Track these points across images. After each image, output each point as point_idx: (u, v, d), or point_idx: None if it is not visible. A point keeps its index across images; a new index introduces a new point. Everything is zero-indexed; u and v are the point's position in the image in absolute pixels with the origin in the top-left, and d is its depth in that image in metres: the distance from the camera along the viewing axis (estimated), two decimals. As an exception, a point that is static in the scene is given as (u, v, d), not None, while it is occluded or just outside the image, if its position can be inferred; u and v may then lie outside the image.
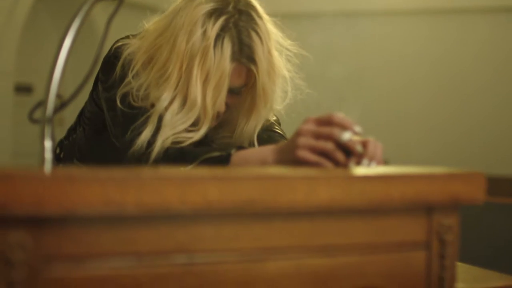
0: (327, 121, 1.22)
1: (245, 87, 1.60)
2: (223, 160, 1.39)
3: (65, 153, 1.90)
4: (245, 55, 1.56)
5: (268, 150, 1.36)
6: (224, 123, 1.66)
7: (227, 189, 0.96)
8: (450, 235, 1.17)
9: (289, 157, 1.27)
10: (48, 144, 1.06)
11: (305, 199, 1.02)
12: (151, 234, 0.94)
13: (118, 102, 1.57)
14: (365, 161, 1.23)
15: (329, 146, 1.20)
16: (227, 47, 1.54)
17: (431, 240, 1.15)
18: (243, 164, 1.39)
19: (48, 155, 1.05)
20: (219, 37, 1.54)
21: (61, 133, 6.32)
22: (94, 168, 0.98)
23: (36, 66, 6.13)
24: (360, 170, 1.15)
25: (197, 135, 1.53)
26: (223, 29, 1.54)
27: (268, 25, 1.61)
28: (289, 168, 1.19)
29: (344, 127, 1.20)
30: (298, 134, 1.25)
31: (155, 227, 0.94)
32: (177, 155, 1.47)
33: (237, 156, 1.39)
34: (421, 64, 6.45)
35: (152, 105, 1.54)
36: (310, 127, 1.24)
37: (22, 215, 0.84)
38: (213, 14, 1.54)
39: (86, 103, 1.82)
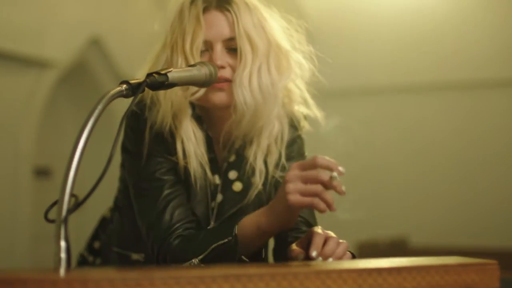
0: (312, 165, 1.29)
1: (235, 41, 1.59)
2: (232, 245, 1.41)
3: (103, 245, 1.92)
4: (218, 0, 1.61)
5: (260, 214, 1.41)
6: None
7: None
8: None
9: (281, 207, 1.33)
10: (63, 244, 1.07)
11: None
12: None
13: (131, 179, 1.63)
14: (314, 253, 1.30)
15: (318, 188, 1.27)
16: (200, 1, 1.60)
17: (447, 332, 1.15)
18: (244, 239, 1.43)
19: (63, 255, 1.06)
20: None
21: (77, 217, 6.26)
22: (108, 269, 0.99)
23: (55, 150, 6.20)
24: (373, 262, 1.15)
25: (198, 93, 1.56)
26: None
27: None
28: (300, 262, 1.19)
29: (328, 169, 1.27)
30: (286, 182, 1.31)
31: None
32: (186, 246, 1.50)
33: (238, 234, 1.42)
34: (432, 143, 6.45)
35: None
36: (296, 172, 1.30)
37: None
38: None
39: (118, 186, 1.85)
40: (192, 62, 1.55)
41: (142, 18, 6.14)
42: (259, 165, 1.64)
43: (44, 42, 5.42)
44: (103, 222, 1.96)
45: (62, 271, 1.06)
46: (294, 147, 1.73)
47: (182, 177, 1.62)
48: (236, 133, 1.64)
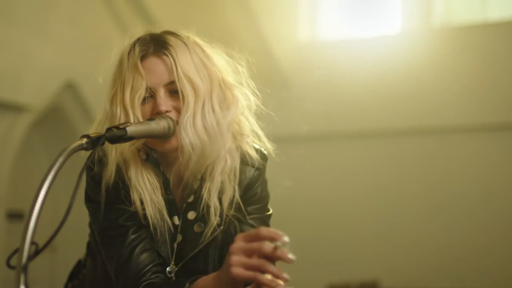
0: (256, 237, 1.28)
1: (175, 84, 1.60)
2: None
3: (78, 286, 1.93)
4: (155, 46, 1.64)
5: (210, 281, 1.42)
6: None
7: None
8: None
9: (227, 278, 1.32)
10: (22, 289, 1.14)
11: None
12: None
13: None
14: None
15: (261, 262, 1.26)
16: (138, 47, 1.64)
17: None
18: None
19: (22, 300, 1.13)
20: (133, 46, 1.65)
21: (53, 260, 6.26)
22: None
23: (29, 193, 6.21)
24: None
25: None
26: (138, 39, 1.66)
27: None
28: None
29: (272, 240, 1.26)
30: (230, 253, 1.30)
31: None
32: None
33: None
34: (416, 183, 6.52)
35: None
36: (240, 244, 1.29)
37: None
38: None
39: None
40: (131, 113, 1.58)
41: (115, 62, 6.23)
42: (214, 203, 1.64)
43: (20, 87, 5.49)
44: (78, 266, 1.98)
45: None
46: (255, 190, 1.74)
47: (144, 222, 1.64)
48: (186, 174, 1.64)
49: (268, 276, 1.27)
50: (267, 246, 1.26)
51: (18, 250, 1.20)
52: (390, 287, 5.84)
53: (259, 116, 1.81)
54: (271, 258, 1.26)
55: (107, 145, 1.56)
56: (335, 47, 6.88)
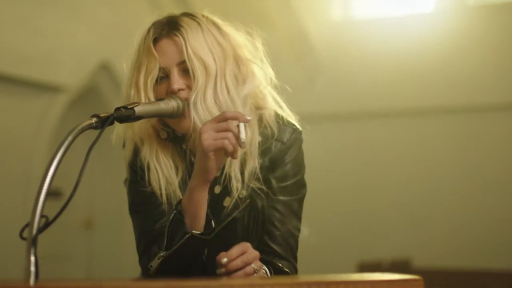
0: (223, 118, 1.51)
1: (186, 63, 1.67)
2: (178, 217, 1.58)
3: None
4: (168, 27, 1.71)
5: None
6: None
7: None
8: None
9: (199, 156, 1.53)
10: (32, 259, 1.22)
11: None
12: None
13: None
14: (224, 260, 1.49)
15: (228, 134, 1.49)
16: (152, 30, 1.72)
17: None
18: (184, 207, 1.58)
19: (32, 268, 1.21)
20: (148, 30, 1.73)
21: (88, 236, 6.43)
22: (74, 280, 1.13)
23: (66, 172, 6.37)
24: (307, 278, 1.29)
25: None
26: (154, 23, 1.74)
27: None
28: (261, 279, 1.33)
29: (235, 119, 1.50)
30: (200, 133, 1.51)
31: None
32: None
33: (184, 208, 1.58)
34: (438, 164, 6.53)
35: None
36: (210, 124, 1.51)
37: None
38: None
39: None
40: (143, 95, 1.67)
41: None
42: (235, 175, 1.69)
43: (56, 67, 5.62)
44: None
45: (31, 281, 1.21)
46: (284, 167, 1.75)
47: (160, 200, 1.71)
48: None
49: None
50: (234, 123, 1.49)
51: (29, 224, 1.28)
52: (422, 266, 5.86)
53: (289, 95, 1.84)
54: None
55: (125, 125, 1.65)
56: (368, 26, 6.87)
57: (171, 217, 1.59)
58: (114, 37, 6.10)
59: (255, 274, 1.49)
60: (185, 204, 1.57)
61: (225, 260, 1.48)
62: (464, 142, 6.46)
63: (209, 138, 1.48)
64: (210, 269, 1.64)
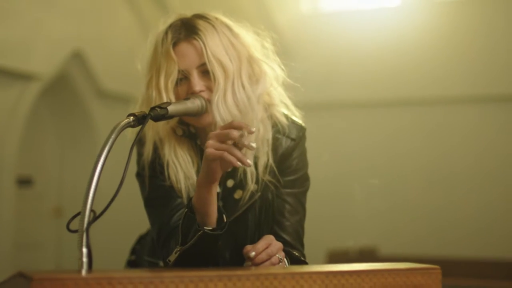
0: (228, 126, 1.55)
1: (206, 65, 1.76)
2: (191, 214, 1.64)
3: (137, 257, 2.14)
4: (186, 31, 1.79)
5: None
6: None
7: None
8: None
9: (204, 161, 1.58)
10: (84, 250, 1.30)
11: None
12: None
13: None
14: (252, 253, 1.57)
15: (228, 145, 1.53)
16: (170, 34, 1.79)
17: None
18: (195, 204, 1.64)
19: (85, 259, 1.30)
20: (166, 33, 1.81)
21: (58, 224, 6.42)
22: (128, 271, 1.22)
23: (37, 160, 6.39)
24: (338, 266, 1.40)
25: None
26: (170, 26, 1.82)
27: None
28: (277, 267, 1.44)
29: (240, 129, 1.53)
30: (208, 137, 1.57)
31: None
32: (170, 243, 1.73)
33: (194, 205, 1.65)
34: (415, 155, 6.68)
35: None
36: (215, 132, 1.57)
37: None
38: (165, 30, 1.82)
39: None
40: (164, 96, 1.76)
41: (122, 33, 6.38)
42: (250, 168, 1.80)
43: (29, 56, 5.61)
44: (140, 239, 2.18)
45: (84, 272, 1.30)
46: (291, 162, 1.87)
47: (180, 194, 1.81)
48: None
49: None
50: (235, 132, 1.52)
51: (76, 216, 1.37)
52: (388, 254, 6.02)
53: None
54: (239, 144, 1.54)
55: (146, 126, 1.72)
56: (336, 18, 7.00)
57: (183, 215, 1.67)
58: (87, 26, 6.12)
59: (279, 264, 1.60)
60: (195, 202, 1.65)
61: (253, 253, 1.57)
62: (431, 133, 6.63)
63: (212, 146, 1.54)
64: (220, 260, 1.75)
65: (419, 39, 6.61)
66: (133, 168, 1.95)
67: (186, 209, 1.67)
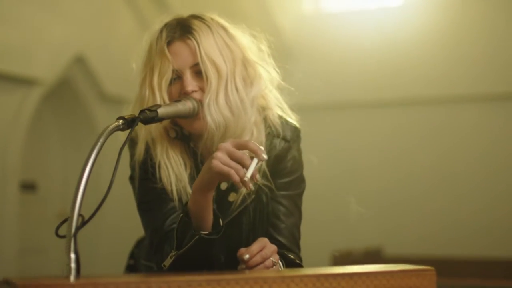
0: (243, 146, 1.52)
1: (200, 65, 1.74)
2: (186, 218, 1.62)
3: (136, 260, 2.13)
4: (181, 30, 1.77)
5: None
6: None
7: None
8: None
9: (206, 167, 1.55)
10: (72, 256, 1.29)
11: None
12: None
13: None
14: (246, 256, 1.55)
15: (238, 166, 1.50)
16: (164, 33, 1.78)
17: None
18: (190, 209, 1.62)
19: (73, 265, 1.28)
20: (160, 32, 1.79)
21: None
22: (113, 276, 1.20)
23: (40, 164, 6.39)
24: (329, 269, 1.38)
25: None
26: (165, 25, 1.81)
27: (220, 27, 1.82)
28: (269, 271, 1.41)
29: (254, 153, 1.50)
30: (217, 149, 1.53)
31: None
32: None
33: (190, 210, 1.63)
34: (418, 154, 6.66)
35: None
36: (229, 146, 1.52)
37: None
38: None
39: None
40: (158, 95, 1.74)
41: (124, 37, 6.37)
42: None
43: (32, 61, 5.62)
44: (138, 242, 2.17)
45: (72, 278, 1.28)
46: (285, 164, 1.85)
47: (171, 196, 1.79)
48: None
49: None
50: (248, 159, 1.49)
51: (65, 221, 1.35)
52: (393, 254, 6.00)
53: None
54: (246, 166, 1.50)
55: (138, 125, 1.70)
56: (338, 18, 6.98)
57: (179, 219, 1.65)
58: (89, 30, 6.12)
59: (274, 267, 1.58)
60: (191, 206, 1.63)
61: (247, 256, 1.55)
62: (432, 133, 6.62)
63: (220, 158, 1.51)
64: (215, 262, 1.73)
65: (421, 39, 6.60)
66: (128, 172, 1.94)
67: (182, 214, 1.65)
